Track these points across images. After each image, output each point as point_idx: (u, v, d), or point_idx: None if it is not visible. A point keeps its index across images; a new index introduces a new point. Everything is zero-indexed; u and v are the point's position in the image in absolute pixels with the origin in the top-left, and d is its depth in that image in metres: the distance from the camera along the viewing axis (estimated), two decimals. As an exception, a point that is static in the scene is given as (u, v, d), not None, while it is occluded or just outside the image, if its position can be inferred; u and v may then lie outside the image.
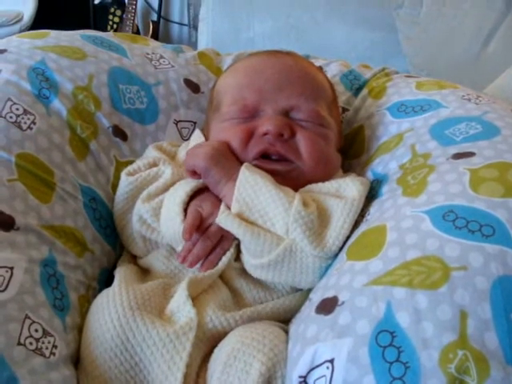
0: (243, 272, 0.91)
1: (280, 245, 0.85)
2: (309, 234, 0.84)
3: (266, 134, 0.93)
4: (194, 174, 0.94)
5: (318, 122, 0.98)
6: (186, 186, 0.93)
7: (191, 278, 0.87)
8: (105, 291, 0.86)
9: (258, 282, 0.90)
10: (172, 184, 0.96)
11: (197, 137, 1.05)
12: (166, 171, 0.97)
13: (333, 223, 0.86)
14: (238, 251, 0.91)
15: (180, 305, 0.83)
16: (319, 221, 0.86)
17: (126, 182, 0.97)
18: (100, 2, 3.43)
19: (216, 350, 0.81)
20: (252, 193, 0.87)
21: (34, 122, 0.93)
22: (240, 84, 1.00)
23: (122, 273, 0.91)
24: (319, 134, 0.97)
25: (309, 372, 0.71)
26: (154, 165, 1.00)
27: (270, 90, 0.97)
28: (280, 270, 0.86)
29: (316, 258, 0.85)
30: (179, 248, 0.92)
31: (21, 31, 2.80)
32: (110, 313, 0.80)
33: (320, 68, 1.16)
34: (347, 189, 0.91)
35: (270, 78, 0.98)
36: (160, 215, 0.93)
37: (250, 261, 0.88)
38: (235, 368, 0.75)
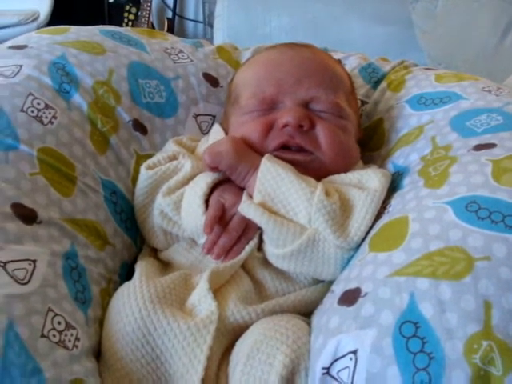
0: (265, 262, 0.91)
1: (303, 234, 0.85)
2: (331, 223, 0.84)
3: (285, 125, 0.93)
4: (216, 169, 0.93)
5: (338, 114, 0.98)
6: (207, 177, 0.93)
7: (213, 269, 0.87)
8: (125, 284, 0.87)
9: (280, 273, 0.90)
10: (192, 177, 0.96)
11: (216, 131, 1.05)
12: (186, 164, 0.97)
13: (355, 214, 0.86)
14: (261, 241, 0.91)
15: (201, 297, 0.84)
16: (341, 211, 0.86)
17: (145, 175, 0.98)
18: (115, 0, 3.44)
19: (238, 343, 0.81)
20: (274, 183, 0.87)
21: (55, 117, 0.93)
22: (258, 77, 1.00)
23: (142, 266, 0.92)
24: (338, 126, 0.97)
25: (332, 363, 0.70)
26: (174, 158, 1.00)
27: (289, 82, 0.97)
28: (302, 260, 0.86)
29: (338, 249, 0.85)
30: (201, 240, 0.92)
31: (37, 29, 2.82)
32: (131, 306, 0.81)
33: (338, 60, 1.15)
34: (369, 180, 0.91)
35: (289, 70, 0.98)
36: (181, 208, 0.93)
37: (272, 250, 0.88)
38: (258, 360, 0.75)
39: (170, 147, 1.03)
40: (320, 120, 0.95)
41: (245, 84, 1.02)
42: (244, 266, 0.91)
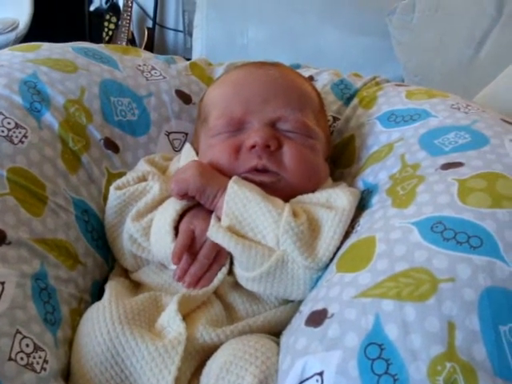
0: (236, 285, 0.91)
1: (271, 256, 0.85)
2: (299, 244, 0.84)
3: (253, 146, 0.93)
4: (184, 197, 0.93)
5: (305, 133, 0.97)
6: (176, 204, 0.93)
7: (184, 295, 0.86)
8: (95, 305, 0.86)
9: (250, 295, 0.90)
10: (161, 201, 0.96)
11: (187, 151, 1.05)
12: (154, 187, 0.97)
13: (323, 234, 0.86)
14: (231, 265, 0.91)
15: (170, 319, 0.83)
16: (310, 231, 0.86)
17: (114, 195, 0.98)
18: (95, 9, 3.44)
19: (208, 363, 0.80)
20: (241, 206, 0.87)
21: (25, 136, 0.93)
22: (226, 97, 1.00)
23: (112, 286, 0.91)
24: (306, 145, 0.97)
25: None
26: (144, 179, 0.99)
27: (256, 102, 0.97)
28: (272, 282, 0.86)
29: (307, 269, 0.85)
30: (172, 266, 0.91)
31: (16, 38, 2.80)
32: (100, 327, 0.80)
33: (308, 78, 1.16)
34: (337, 199, 0.91)
35: (256, 89, 0.98)
36: (150, 234, 0.93)
37: (242, 273, 0.88)
38: (227, 381, 0.75)
39: (142, 166, 1.03)
40: (287, 140, 0.95)
41: (213, 103, 1.02)
42: (215, 291, 0.90)
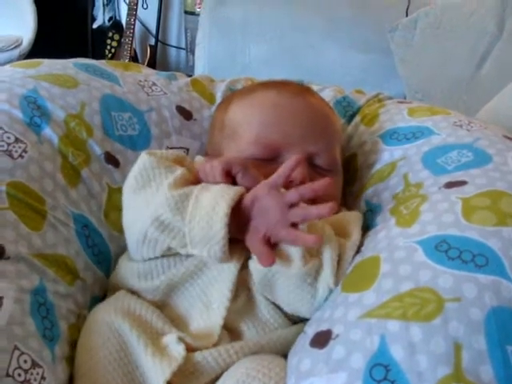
0: (242, 310, 0.88)
1: (309, 262, 0.82)
2: (335, 259, 0.83)
3: (291, 181, 0.88)
4: (227, 176, 0.86)
5: (334, 169, 0.99)
6: (225, 192, 0.83)
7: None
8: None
9: (256, 319, 0.88)
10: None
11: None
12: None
13: (344, 260, 0.84)
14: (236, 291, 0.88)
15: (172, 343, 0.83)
16: None
17: (147, 160, 0.90)
18: (98, 27, 3.46)
19: (220, 381, 0.80)
20: None
21: (25, 151, 0.92)
22: (264, 122, 0.97)
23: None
24: (334, 182, 0.96)
25: None
26: (180, 162, 0.93)
27: (296, 135, 0.96)
28: (294, 288, 0.83)
29: (326, 289, 0.82)
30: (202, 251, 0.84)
31: (20, 56, 2.81)
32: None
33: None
34: (348, 227, 0.90)
35: (297, 121, 0.97)
36: (183, 209, 0.83)
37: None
38: None
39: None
40: (318, 178, 0.91)
41: (246, 123, 0.99)
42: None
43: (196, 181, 0.89)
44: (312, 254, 0.83)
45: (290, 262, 0.81)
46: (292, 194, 0.81)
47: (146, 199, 0.87)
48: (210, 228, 0.80)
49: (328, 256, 0.83)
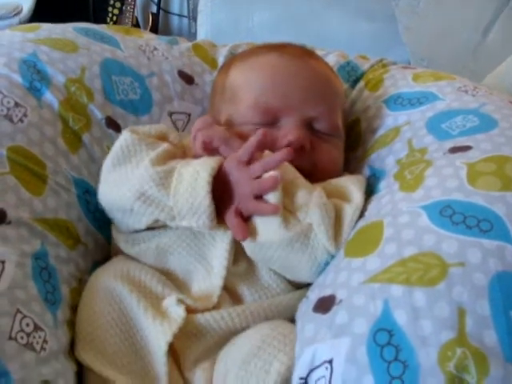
0: (244, 275, 0.88)
1: (297, 226, 0.82)
2: (327, 222, 0.82)
3: (288, 145, 0.89)
4: (208, 149, 0.88)
5: (336, 135, 0.97)
6: (205, 162, 0.85)
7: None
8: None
9: (257, 285, 0.88)
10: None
11: None
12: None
13: (345, 224, 0.84)
14: (236, 254, 0.88)
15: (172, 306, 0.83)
16: (335, 216, 0.84)
17: (129, 138, 0.90)
18: (100, -6, 3.42)
19: (231, 344, 0.80)
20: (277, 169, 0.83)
21: (25, 115, 0.91)
22: (264, 85, 0.96)
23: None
24: (335, 146, 0.96)
25: (309, 373, 0.69)
26: (164, 137, 0.94)
27: (296, 98, 0.94)
28: (287, 254, 0.83)
29: (324, 251, 0.82)
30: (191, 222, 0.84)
31: (20, 23, 2.78)
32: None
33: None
34: (352, 192, 0.89)
35: (297, 84, 0.95)
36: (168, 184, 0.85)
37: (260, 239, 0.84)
38: (254, 365, 0.74)
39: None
40: (319, 141, 0.94)
41: (246, 86, 0.97)
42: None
43: (182, 154, 0.91)
44: (298, 218, 0.83)
45: (271, 232, 0.82)
46: (256, 167, 0.83)
47: (126, 175, 0.88)
48: (195, 199, 0.82)
49: (316, 217, 0.82)
